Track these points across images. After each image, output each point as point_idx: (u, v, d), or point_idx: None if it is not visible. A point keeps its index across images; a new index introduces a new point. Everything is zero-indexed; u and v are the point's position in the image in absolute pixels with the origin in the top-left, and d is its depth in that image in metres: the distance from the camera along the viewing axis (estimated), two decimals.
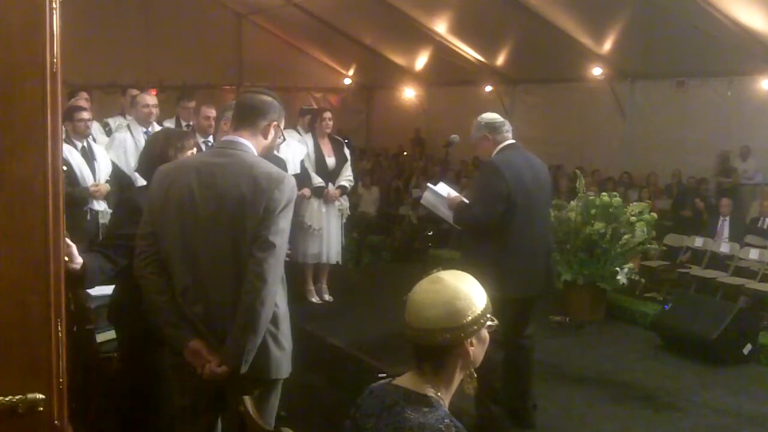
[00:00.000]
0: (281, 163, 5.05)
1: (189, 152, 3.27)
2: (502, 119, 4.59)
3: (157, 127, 6.35)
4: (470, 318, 1.90)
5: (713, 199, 10.43)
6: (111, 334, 3.65)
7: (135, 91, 7.41)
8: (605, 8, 10.32)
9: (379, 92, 17.97)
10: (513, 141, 4.56)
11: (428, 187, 4.93)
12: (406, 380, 1.98)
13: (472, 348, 1.94)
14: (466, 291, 1.93)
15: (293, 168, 6.68)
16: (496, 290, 4.46)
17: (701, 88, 11.38)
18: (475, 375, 1.99)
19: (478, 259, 4.22)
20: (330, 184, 7.32)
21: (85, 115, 5.86)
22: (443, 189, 4.88)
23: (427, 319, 1.90)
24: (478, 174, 4.51)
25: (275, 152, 5.56)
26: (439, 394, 1.94)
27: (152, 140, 3.44)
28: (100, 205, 5.87)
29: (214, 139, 5.91)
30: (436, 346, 1.91)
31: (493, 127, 4.52)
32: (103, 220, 5.84)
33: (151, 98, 6.36)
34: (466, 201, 4.63)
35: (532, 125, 13.12)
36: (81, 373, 2.90)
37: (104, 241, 3.37)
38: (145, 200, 2.90)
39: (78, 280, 2.89)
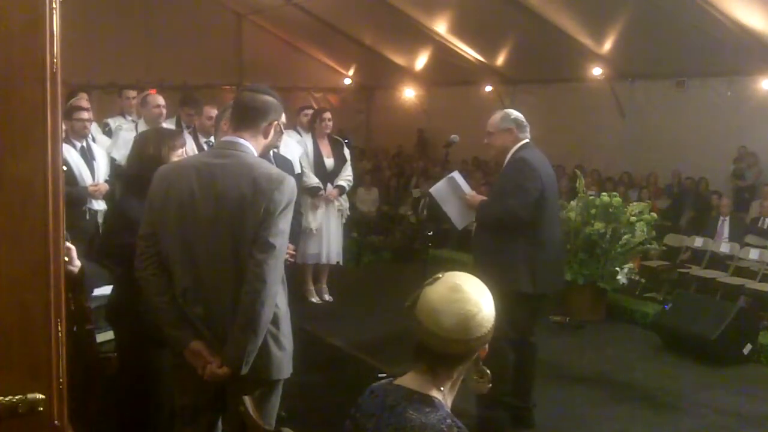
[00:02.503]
0: (288, 164, 5.02)
1: (180, 151, 3.31)
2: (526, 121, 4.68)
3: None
4: (485, 332, 1.91)
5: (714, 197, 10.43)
6: (111, 334, 3.66)
7: (132, 93, 7.44)
8: (605, 8, 10.31)
9: (379, 92, 17.96)
10: (528, 140, 4.65)
11: (451, 177, 4.85)
12: (407, 380, 1.97)
13: (480, 354, 1.96)
14: (484, 305, 1.92)
15: (298, 168, 6.65)
16: (527, 287, 4.50)
17: (701, 88, 11.38)
18: (488, 373, 1.97)
19: (505, 258, 4.28)
20: (329, 185, 7.31)
21: (85, 115, 5.86)
22: (464, 183, 4.87)
23: (442, 327, 1.89)
24: (506, 170, 4.53)
25: (282, 153, 5.54)
26: (441, 393, 1.94)
27: (143, 139, 3.46)
28: (99, 205, 5.88)
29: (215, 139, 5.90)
30: (447, 354, 1.91)
31: (519, 123, 4.61)
32: (102, 219, 5.86)
33: (161, 99, 6.43)
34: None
35: (532, 125, 12.88)
36: (81, 373, 2.89)
37: (100, 249, 3.43)
38: (132, 208, 3.00)
39: (77, 285, 2.88)
